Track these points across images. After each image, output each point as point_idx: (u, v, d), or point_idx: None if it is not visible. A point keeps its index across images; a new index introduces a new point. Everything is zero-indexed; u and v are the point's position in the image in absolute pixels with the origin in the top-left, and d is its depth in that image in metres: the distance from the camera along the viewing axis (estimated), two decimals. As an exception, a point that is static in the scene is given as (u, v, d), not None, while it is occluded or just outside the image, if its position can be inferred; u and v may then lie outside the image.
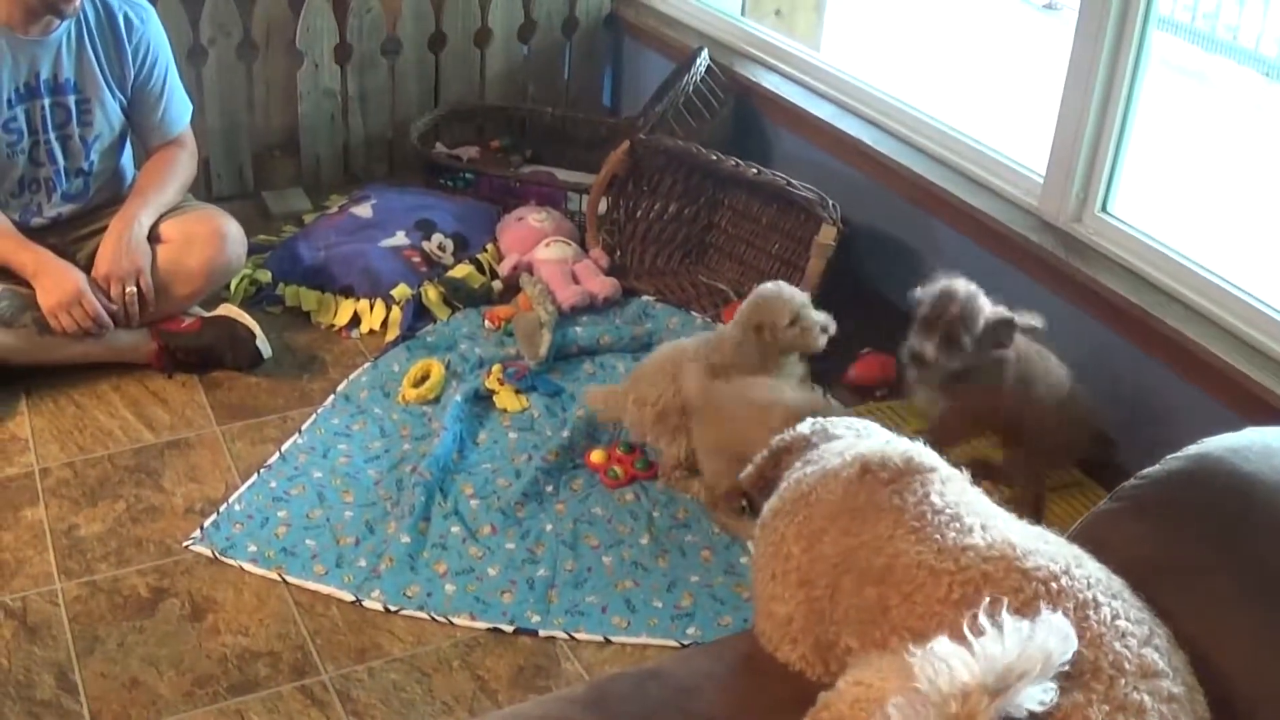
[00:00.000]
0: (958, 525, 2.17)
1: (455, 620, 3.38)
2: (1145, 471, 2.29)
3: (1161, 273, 3.66)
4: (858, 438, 2.59)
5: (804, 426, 2.64)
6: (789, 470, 2.53)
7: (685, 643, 3.30)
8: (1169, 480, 2.24)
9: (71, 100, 4.16)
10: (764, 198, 4.79)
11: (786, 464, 2.60)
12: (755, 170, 4.63)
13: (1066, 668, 1.85)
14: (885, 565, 2.17)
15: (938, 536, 2.16)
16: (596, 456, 3.92)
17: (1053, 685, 1.81)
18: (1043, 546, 2.11)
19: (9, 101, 4.06)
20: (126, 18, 4.21)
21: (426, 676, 3.21)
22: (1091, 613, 1.99)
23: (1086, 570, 2.06)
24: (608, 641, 3.32)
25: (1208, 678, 1.98)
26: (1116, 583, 2.07)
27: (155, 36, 4.31)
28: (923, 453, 2.34)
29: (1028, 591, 2.01)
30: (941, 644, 1.82)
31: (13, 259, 4.13)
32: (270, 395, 4.24)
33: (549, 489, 3.82)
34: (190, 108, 4.53)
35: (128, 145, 4.47)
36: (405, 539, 3.59)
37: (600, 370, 4.37)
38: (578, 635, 3.34)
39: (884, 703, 1.89)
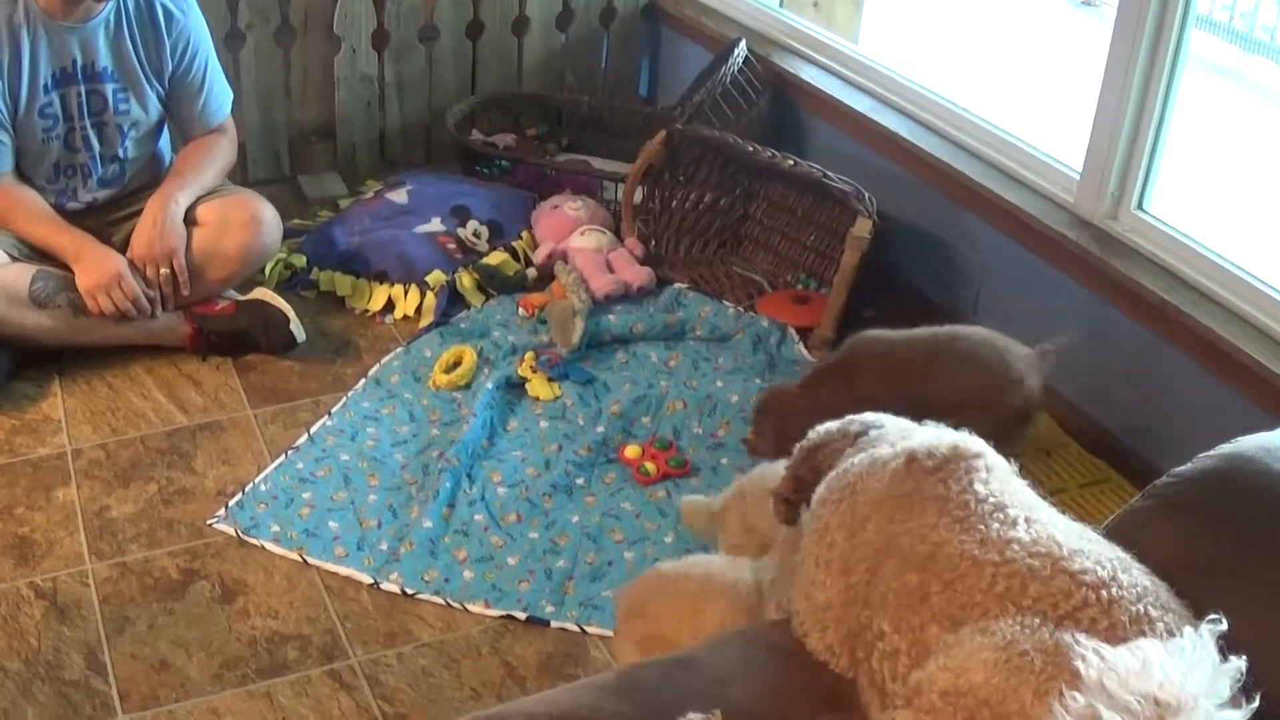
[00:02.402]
0: (1001, 516, 2.15)
1: (470, 607, 3.38)
2: (1177, 470, 2.28)
3: (1196, 271, 3.64)
4: (901, 430, 2.59)
5: (835, 425, 2.64)
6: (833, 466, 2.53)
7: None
8: (1201, 479, 2.23)
9: (108, 89, 4.17)
10: (800, 189, 4.79)
11: (826, 462, 2.59)
12: (791, 162, 4.62)
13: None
14: (928, 553, 2.15)
15: (981, 527, 2.14)
16: (630, 452, 3.91)
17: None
18: (1087, 547, 2.08)
19: (45, 87, 4.08)
20: (166, 9, 4.21)
21: (455, 662, 3.22)
22: (1147, 628, 1.97)
23: (1133, 578, 2.04)
24: (620, 637, 3.32)
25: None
26: (1163, 591, 2.04)
27: (195, 29, 4.32)
28: (968, 440, 2.33)
29: (1077, 598, 1.99)
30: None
31: (53, 242, 4.15)
32: (303, 379, 4.25)
33: (579, 481, 3.82)
34: (231, 96, 4.54)
35: (165, 131, 4.47)
36: (427, 524, 3.60)
37: (633, 359, 4.36)
38: (589, 629, 3.34)
39: (974, 695, 1.88)
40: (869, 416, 2.62)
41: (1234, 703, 1.73)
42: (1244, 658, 1.85)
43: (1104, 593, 1.99)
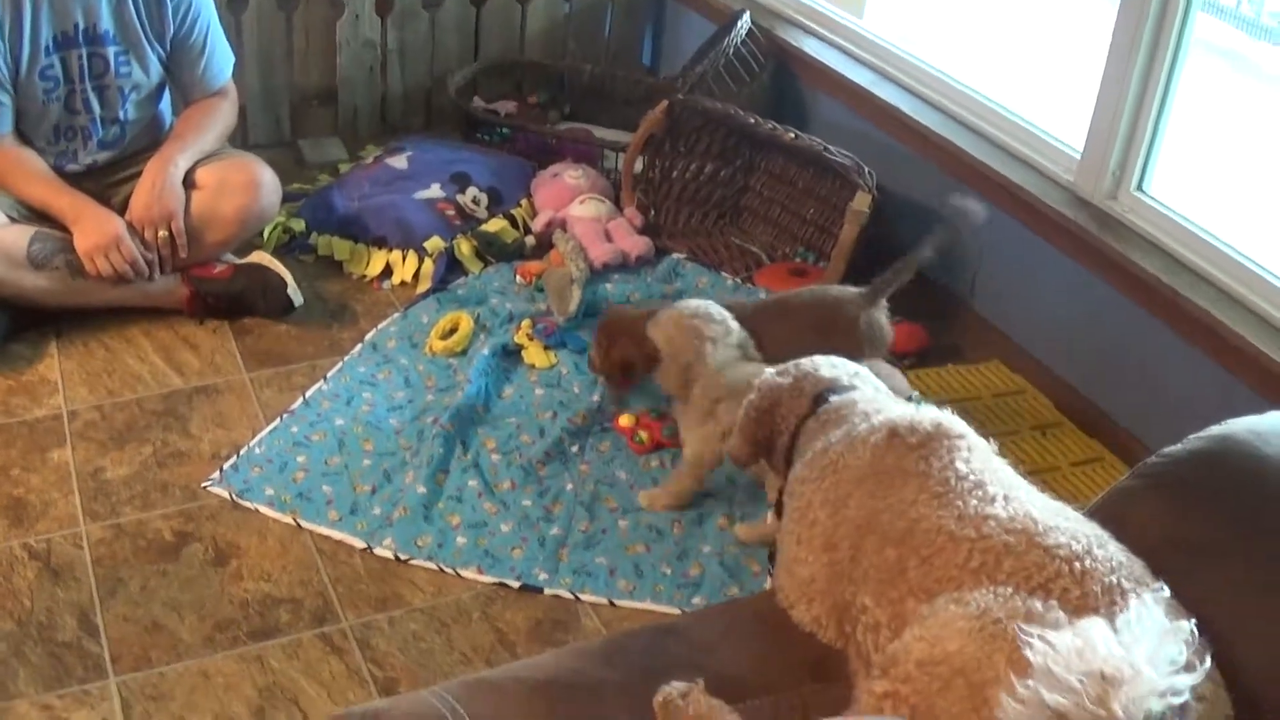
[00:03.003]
0: (980, 493, 2.17)
1: (463, 573, 3.40)
2: (1166, 450, 2.28)
3: (1194, 254, 3.64)
4: (854, 376, 2.62)
5: (785, 382, 2.65)
6: (809, 435, 2.54)
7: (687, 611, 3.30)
8: (1190, 460, 2.24)
9: (110, 51, 4.16)
10: (800, 162, 4.79)
11: (784, 423, 2.61)
12: (792, 134, 4.62)
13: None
14: (906, 528, 2.18)
15: (959, 503, 2.16)
16: (625, 420, 3.91)
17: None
18: (1063, 523, 2.10)
19: (46, 49, 4.07)
20: None
21: (446, 627, 3.23)
22: (1119, 600, 1.98)
23: (1109, 552, 2.06)
24: (612, 604, 3.33)
25: (1222, 661, 1.96)
26: (1138, 565, 2.06)
27: None
28: (951, 420, 2.35)
29: (1050, 569, 2.01)
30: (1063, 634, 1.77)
31: (52, 203, 4.15)
32: (300, 343, 4.26)
33: (574, 449, 3.83)
34: (232, 60, 4.53)
35: (166, 94, 4.47)
36: (421, 489, 3.60)
37: (629, 328, 4.35)
38: (582, 596, 3.35)
39: (949, 664, 1.89)
40: (823, 371, 2.64)
41: (1188, 666, 1.73)
42: (1192, 620, 1.87)
43: (1077, 565, 2.01)
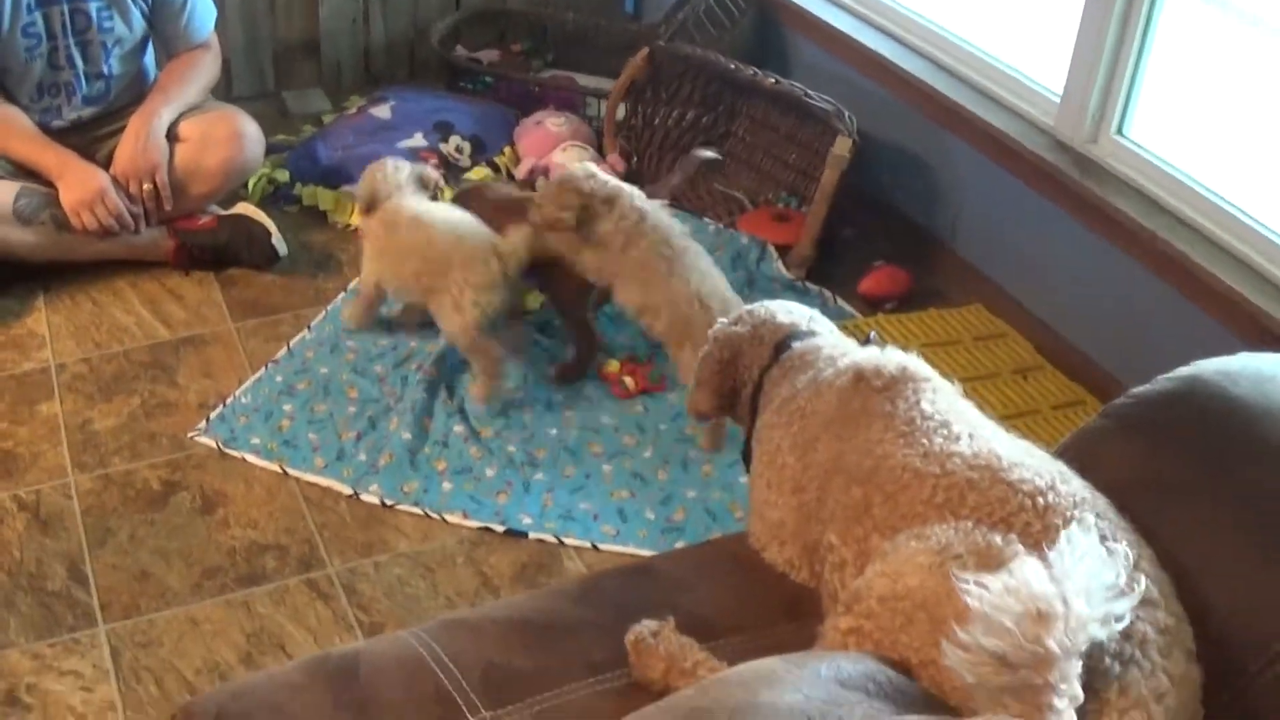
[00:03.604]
0: (945, 432, 2.19)
1: (448, 518, 3.43)
2: (1135, 390, 2.29)
3: (1173, 196, 3.64)
4: (811, 320, 2.64)
5: (742, 330, 2.67)
6: (773, 383, 2.56)
7: (670, 556, 3.33)
8: (1158, 400, 2.25)
9: (92, 7, 4.17)
10: (782, 108, 4.80)
11: (746, 373, 2.63)
12: (773, 80, 4.63)
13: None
14: (872, 466, 2.19)
15: (925, 441, 2.18)
16: (610, 367, 3.94)
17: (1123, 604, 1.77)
18: (1028, 460, 2.11)
19: (28, 6, 4.08)
20: None
21: (431, 572, 3.27)
22: None
23: (1072, 487, 2.06)
24: (595, 548, 3.36)
25: (1191, 600, 1.98)
26: (1101, 501, 2.07)
27: None
28: (917, 363, 2.37)
29: (1012, 504, 2.02)
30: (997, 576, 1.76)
31: (37, 159, 4.17)
32: (285, 293, 4.28)
33: (559, 396, 3.86)
34: (214, 13, 4.53)
35: (150, 47, 4.48)
36: (406, 435, 3.64)
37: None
38: (566, 540, 3.38)
39: (911, 599, 1.92)
40: (780, 318, 2.65)
41: (1126, 588, 1.76)
42: (1124, 544, 1.90)
43: (1040, 500, 2.02)
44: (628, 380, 3.88)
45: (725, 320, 2.73)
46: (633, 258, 3.65)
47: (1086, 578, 1.71)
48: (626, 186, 3.78)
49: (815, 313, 2.71)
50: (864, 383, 2.32)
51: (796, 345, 2.56)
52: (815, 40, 4.89)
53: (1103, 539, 1.90)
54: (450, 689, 2.06)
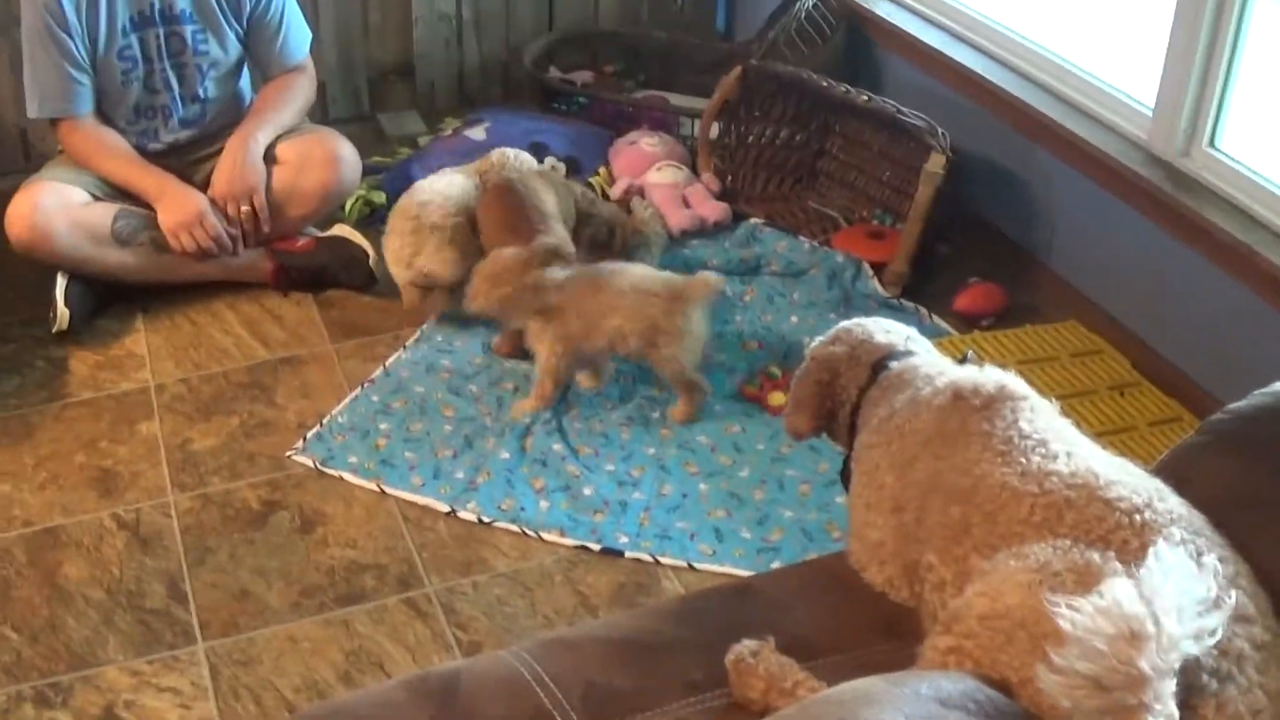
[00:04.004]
0: (1043, 451, 2.18)
1: (545, 536, 3.43)
2: (1232, 406, 2.28)
3: (1268, 210, 3.61)
4: (908, 340, 2.62)
5: (839, 350, 2.65)
6: (872, 403, 2.55)
7: (766, 576, 3.32)
8: (1255, 416, 2.23)
9: (187, 30, 4.23)
10: (874, 125, 4.79)
11: (844, 393, 2.62)
12: (865, 97, 4.62)
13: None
14: (970, 485, 2.19)
15: (1023, 460, 2.17)
16: (750, 388, 3.95)
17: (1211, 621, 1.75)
18: (1125, 478, 2.10)
19: (123, 30, 4.14)
20: None
21: (529, 591, 3.27)
22: None
23: (1169, 504, 2.05)
24: (691, 568, 3.35)
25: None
26: (1198, 519, 2.05)
27: None
28: (1015, 382, 2.36)
29: (1110, 522, 2.01)
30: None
31: (136, 182, 4.22)
32: (382, 314, 4.31)
33: (654, 415, 3.85)
34: (309, 36, 4.58)
35: (245, 70, 4.53)
36: (504, 454, 3.65)
37: (706, 294, 4.37)
38: (662, 559, 3.37)
39: (1011, 618, 1.90)
40: (878, 338, 2.64)
41: (1217, 602, 1.74)
42: (1213, 557, 1.88)
43: (1137, 517, 2.00)
44: (775, 396, 3.87)
45: (822, 339, 2.72)
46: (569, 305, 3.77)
47: (1176, 594, 1.70)
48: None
49: (912, 331, 2.69)
50: (962, 401, 2.31)
51: (894, 365, 2.55)
52: (906, 56, 4.88)
53: (1197, 554, 1.88)
54: (550, 708, 2.06)
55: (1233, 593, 1.79)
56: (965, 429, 2.28)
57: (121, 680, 3.03)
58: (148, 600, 3.24)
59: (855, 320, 2.72)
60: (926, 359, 2.58)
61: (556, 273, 3.79)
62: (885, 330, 2.66)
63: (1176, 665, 1.67)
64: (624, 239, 4.34)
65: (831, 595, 2.38)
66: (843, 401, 2.63)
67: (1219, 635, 1.73)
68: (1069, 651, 1.68)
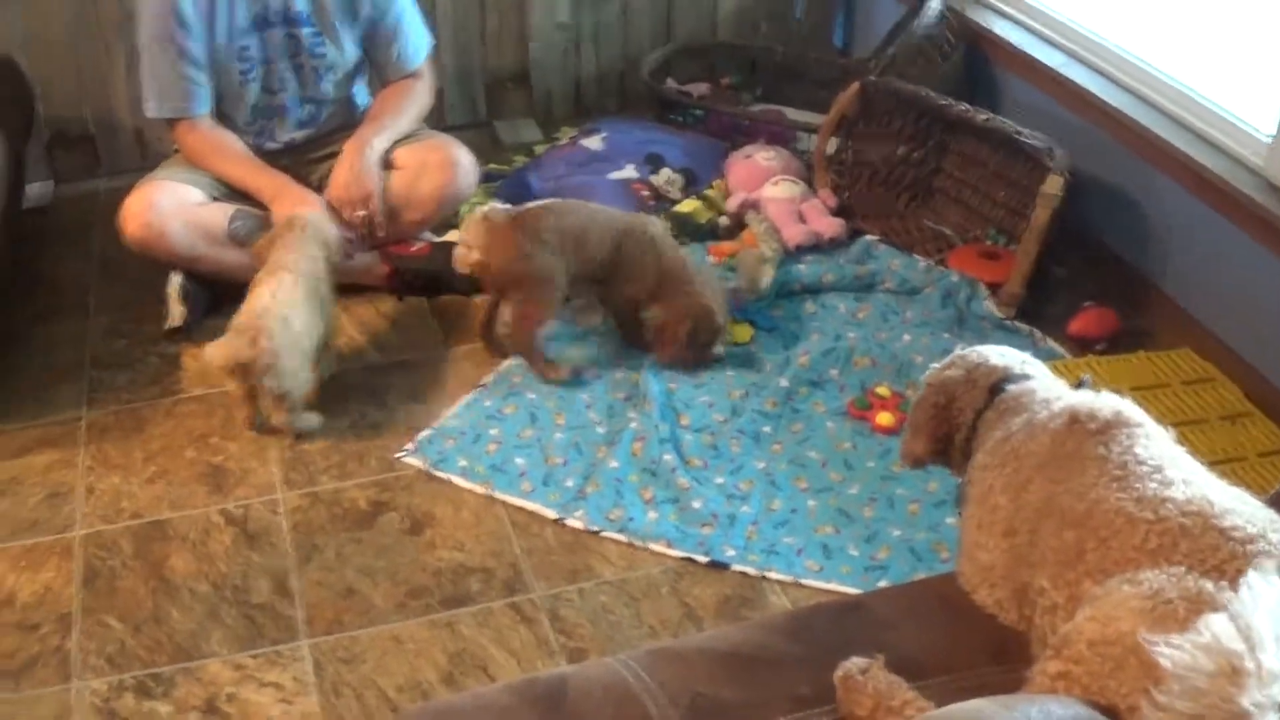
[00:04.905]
0: (1159, 478, 2.17)
1: (652, 547, 3.44)
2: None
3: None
4: (1024, 364, 2.60)
5: (957, 374, 2.64)
6: (988, 426, 2.54)
7: (873, 595, 3.30)
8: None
9: (304, 32, 4.28)
10: (991, 144, 4.76)
11: (961, 416, 2.60)
12: (984, 116, 4.60)
13: None
14: (1085, 510, 2.18)
15: (1138, 486, 2.16)
16: (857, 407, 3.93)
17: None
18: (1241, 507, 2.09)
19: (242, 30, 4.19)
20: None
21: (635, 600, 3.28)
22: None
23: None
24: (798, 584, 3.33)
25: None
26: None
27: None
28: (1131, 408, 2.35)
29: (1224, 551, 2.00)
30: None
31: (251, 183, 4.27)
32: (495, 320, 4.32)
33: (766, 429, 3.85)
34: (428, 43, 4.62)
35: (363, 74, 4.57)
36: (614, 463, 3.66)
37: (821, 310, 4.37)
38: (769, 574, 3.36)
39: (1122, 644, 1.89)
40: (994, 360, 2.62)
41: None
42: None
43: (1252, 547, 1.99)
44: (883, 416, 3.87)
45: (937, 366, 2.71)
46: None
47: (1273, 626, 1.68)
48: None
49: (1028, 356, 2.68)
50: (1078, 425, 2.30)
51: (1011, 388, 2.54)
52: (1025, 76, 4.86)
53: None
54: (657, 718, 2.07)
55: None
56: (1081, 453, 2.27)
57: (224, 674, 3.07)
58: (253, 595, 3.28)
59: (973, 347, 2.71)
60: (1043, 383, 2.56)
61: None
62: (1001, 354, 2.65)
63: (1279, 699, 1.66)
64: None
65: (940, 616, 2.37)
66: (959, 425, 2.62)
67: None
68: (1170, 689, 1.68)
